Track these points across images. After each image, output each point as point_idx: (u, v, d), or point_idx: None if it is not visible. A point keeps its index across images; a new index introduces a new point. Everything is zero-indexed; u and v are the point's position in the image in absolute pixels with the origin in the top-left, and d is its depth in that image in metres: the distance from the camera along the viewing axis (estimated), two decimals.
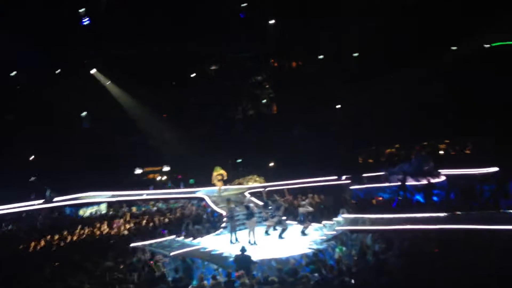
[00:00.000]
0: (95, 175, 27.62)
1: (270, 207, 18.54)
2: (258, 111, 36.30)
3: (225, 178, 21.90)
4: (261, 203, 19.62)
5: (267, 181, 25.75)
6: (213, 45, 33.22)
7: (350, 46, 32.75)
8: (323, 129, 31.73)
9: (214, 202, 21.44)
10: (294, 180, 23.98)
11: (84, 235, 19.72)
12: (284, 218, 18.20)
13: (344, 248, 15.70)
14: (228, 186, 23.68)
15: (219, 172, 21.64)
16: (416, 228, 15.39)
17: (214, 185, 22.29)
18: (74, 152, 29.98)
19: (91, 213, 24.89)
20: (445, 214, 16.26)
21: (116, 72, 31.99)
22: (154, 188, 27.40)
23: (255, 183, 25.17)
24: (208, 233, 19.23)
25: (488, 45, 31.82)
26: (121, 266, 14.54)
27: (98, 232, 20.25)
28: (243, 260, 14.00)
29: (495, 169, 22.20)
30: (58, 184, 25.81)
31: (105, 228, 21.09)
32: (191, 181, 28.09)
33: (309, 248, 15.47)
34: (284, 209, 18.46)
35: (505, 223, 14.39)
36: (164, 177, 32.76)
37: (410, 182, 22.18)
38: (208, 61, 36.38)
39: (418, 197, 21.38)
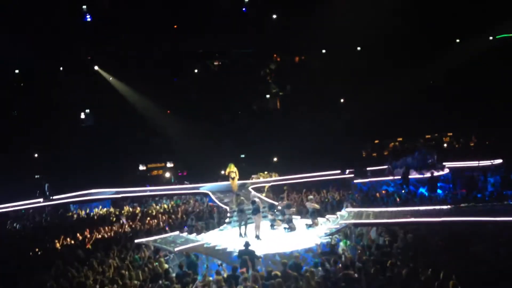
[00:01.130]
0: (99, 172, 27.71)
1: (276, 209, 18.46)
2: (262, 106, 36.29)
3: (237, 176, 21.29)
4: (267, 200, 19.61)
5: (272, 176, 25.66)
6: (216, 41, 33.27)
7: (355, 40, 32.79)
8: (327, 124, 31.68)
9: (218, 198, 21.42)
10: (298, 175, 23.95)
11: (88, 235, 19.73)
12: (294, 217, 18.12)
13: (348, 242, 15.67)
14: (245, 181, 23.33)
15: (231, 170, 21.11)
16: (420, 221, 15.33)
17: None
18: (78, 149, 30.10)
19: (95, 212, 24.91)
20: (450, 206, 16.21)
21: (119, 69, 32.08)
22: (157, 185, 27.41)
23: (268, 178, 24.83)
24: (212, 228, 19.23)
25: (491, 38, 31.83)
26: (125, 262, 14.54)
27: (102, 230, 20.26)
28: (247, 254, 13.99)
29: (499, 161, 22.14)
30: (63, 181, 25.93)
31: (108, 226, 21.12)
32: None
33: (314, 242, 15.46)
34: (293, 210, 18.39)
35: (510, 215, 14.32)
36: (167, 174, 32.74)
37: (414, 175, 22.14)
38: (211, 56, 36.42)
39: (422, 190, 21.35)
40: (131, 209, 24.32)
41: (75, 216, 23.99)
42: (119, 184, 24.81)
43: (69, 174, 27.74)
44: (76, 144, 30.51)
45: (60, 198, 23.71)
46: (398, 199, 19.40)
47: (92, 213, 24.37)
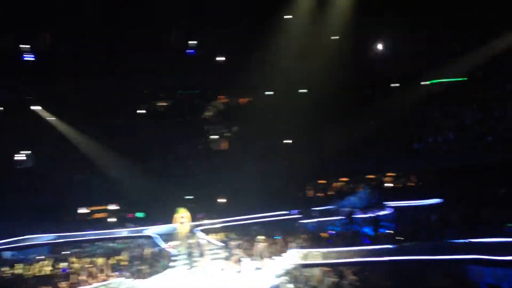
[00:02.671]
0: (36, 215, 26.40)
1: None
2: (209, 147, 36.14)
3: (188, 220, 20.78)
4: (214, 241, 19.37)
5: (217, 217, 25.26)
6: (161, 81, 33.17)
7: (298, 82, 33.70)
8: (274, 164, 31.96)
9: (164, 240, 20.93)
10: (246, 216, 23.87)
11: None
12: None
13: (297, 284, 15.62)
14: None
15: (181, 214, 20.53)
16: (367, 260, 15.56)
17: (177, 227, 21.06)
18: (13, 192, 28.61)
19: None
20: (394, 245, 16.57)
21: (60, 108, 31.19)
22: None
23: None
24: (156, 272, 18.64)
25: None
26: None
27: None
28: None
29: (439, 200, 23.01)
30: None
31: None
32: (140, 214, 26.82)
33: (262, 285, 15.30)
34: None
35: (449, 253, 14.78)
36: (113, 219, 31.52)
37: (358, 215, 22.58)
38: (156, 96, 36.18)
39: (367, 230, 21.75)
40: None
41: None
42: (59, 229, 23.76)
43: (4, 219, 26.23)
44: (12, 186, 29.06)
45: None
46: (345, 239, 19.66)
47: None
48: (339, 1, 29.21)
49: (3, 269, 21.98)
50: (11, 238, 22.91)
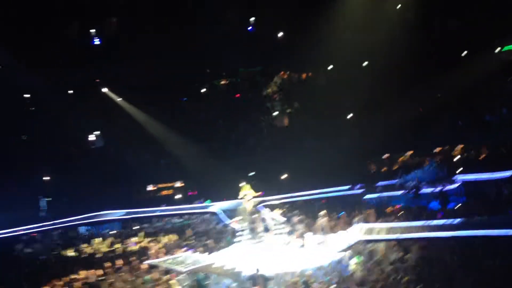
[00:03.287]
0: (108, 193, 27.71)
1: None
2: (270, 124, 36.23)
3: (252, 196, 20.15)
4: (279, 217, 19.44)
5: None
6: (222, 60, 33.45)
7: (360, 55, 32.88)
8: (335, 140, 31.57)
9: (228, 216, 21.34)
10: (307, 191, 23.82)
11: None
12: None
13: (360, 258, 15.45)
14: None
15: (246, 190, 20.14)
16: (433, 235, 15.09)
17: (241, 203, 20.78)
18: (87, 172, 30.17)
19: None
20: (462, 220, 15.95)
21: (127, 91, 32.32)
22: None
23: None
24: (221, 247, 19.08)
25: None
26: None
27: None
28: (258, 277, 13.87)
29: (510, 173, 21.78)
30: (73, 203, 25.97)
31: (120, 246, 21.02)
32: (208, 201, 27.28)
33: (325, 259, 15.28)
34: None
35: None
36: (179, 195, 32.52)
37: (425, 189, 21.89)
38: (218, 75, 36.61)
39: (433, 204, 21.06)
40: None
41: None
42: (129, 205, 24.82)
43: (79, 196, 27.76)
44: (86, 166, 30.62)
45: (69, 221, 23.74)
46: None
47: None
48: None
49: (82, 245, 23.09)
50: (85, 214, 24.14)
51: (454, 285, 11.52)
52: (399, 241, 15.46)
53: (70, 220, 23.78)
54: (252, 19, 32.51)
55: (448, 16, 30.36)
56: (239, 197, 19.47)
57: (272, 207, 21.66)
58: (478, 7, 28.62)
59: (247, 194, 19.33)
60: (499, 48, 30.29)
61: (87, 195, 27.89)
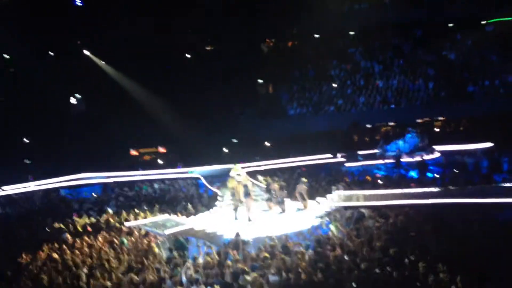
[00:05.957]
0: (89, 157, 27.54)
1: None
2: (254, 91, 36.07)
3: (244, 178, 19.30)
4: (259, 183, 19.59)
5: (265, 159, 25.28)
6: (207, 25, 32.99)
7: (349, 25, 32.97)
8: (318, 108, 31.70)
9: (209, 181, 21.44)
10: (289, 159, 23.99)
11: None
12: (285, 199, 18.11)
13: (338, 224, 15.71)
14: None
15: (236, 171, 18.41)
16: (410, 203, 15.37)
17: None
18: (68, 134, 29.88)
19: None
20: (439, 189, 16.26)
21: (110, 54, 31.72)
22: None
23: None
24: (201, 211, 19.21)
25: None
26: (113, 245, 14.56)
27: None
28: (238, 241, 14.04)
29: (489, 144, 22.22)
30: (53, 166, 25.78)
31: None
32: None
33: (304, 225, 15.52)
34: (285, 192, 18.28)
35: (498, 196, 14.38)
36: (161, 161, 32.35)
37: (405, 159, 22.19)
38: (202, 41, 36.14)
39: (413, 174, 21.42)
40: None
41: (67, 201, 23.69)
42: (110, 169, 24.72)
43: (60, 159, 27.55)
44: (67, 129, 30.29)
45: (50, 183, 23.60)
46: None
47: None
48: None
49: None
50: (66, 177, 23.99)
51: (427, 250, 11.81)
52: (376, 208, 15.71)
53: (50, 182, 23.59)
54: None
55: None
56: (230, 175, 18.80)
57: (253, 174, 21.82)
58: None
59: (239, 174, 18.69)
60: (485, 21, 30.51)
61: (68, 158, 27.71)
